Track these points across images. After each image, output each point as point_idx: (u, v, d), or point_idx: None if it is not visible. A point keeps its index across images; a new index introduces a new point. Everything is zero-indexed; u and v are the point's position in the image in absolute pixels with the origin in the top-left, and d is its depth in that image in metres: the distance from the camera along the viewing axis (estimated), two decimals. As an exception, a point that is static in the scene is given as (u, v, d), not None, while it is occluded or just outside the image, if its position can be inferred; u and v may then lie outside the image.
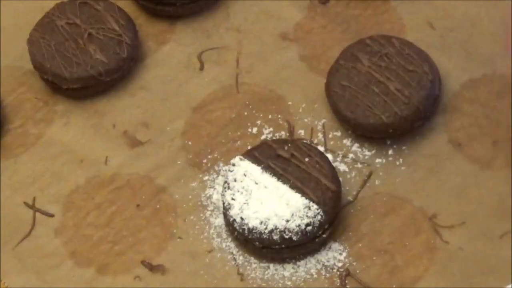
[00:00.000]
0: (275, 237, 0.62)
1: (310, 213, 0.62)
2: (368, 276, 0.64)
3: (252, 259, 0.65)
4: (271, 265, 0.65)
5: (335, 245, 0.65)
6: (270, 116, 0.71)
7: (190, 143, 0.71)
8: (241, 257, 0.65)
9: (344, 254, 0.65)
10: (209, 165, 0.70)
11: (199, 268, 0.65)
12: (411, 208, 0.66)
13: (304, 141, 0.68)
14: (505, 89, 0.70)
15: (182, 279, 0.65)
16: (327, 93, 0.70)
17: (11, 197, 0.70)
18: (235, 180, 0.64)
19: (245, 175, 0.64)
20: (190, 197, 0.69)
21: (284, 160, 0.65)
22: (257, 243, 0.63)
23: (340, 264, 0.64)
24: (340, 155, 0.69)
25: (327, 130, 0.71)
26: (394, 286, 0.63)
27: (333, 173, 0.64)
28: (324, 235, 0.63)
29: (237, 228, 0.63)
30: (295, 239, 0.62)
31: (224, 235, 0.66)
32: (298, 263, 0.65)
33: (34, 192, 0.70)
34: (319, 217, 0.62)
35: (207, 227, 0.67)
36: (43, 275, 0.66)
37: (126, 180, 0.70)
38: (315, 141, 0.70)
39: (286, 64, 0.74)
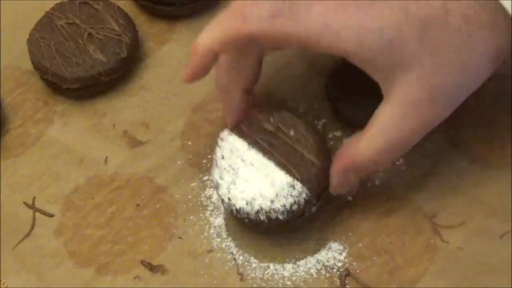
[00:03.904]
0: (262, 218, 0.62)
1: (295, 192, 0.61)
2: (368, 276, 0.64)
3: (252, 259, 0.65)
4: (271, 265, 0.65)
5: (335, 245, 0.65)
6: (270, 116, 0.71)
7: (190, 143, 0.71)
8: (241, 257, 0.65)
9: (344, 254, 0.65)
10: (209, 165, 0.70)
11: (199, 268, 0.65)
12: (411, 208, 0.66)
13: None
14: (505, 89, 0.70)
15: (182, 279, 0.65)
16: (327, 94, 0.70)
17: (11, 197, 0.70)
18: (222, 158, 0.63)
19: (232, 151, 0.63)
20: (190, 197, 0.69)
21: (270, 133, 0.63)
22: (247, 221, 0.63)
23: (340, 264, 0.64)
24: (340, 155, 0.69)
25: (327, 130, 0.71)
26: (394, 286, 0.63)
27: (319, 147, 0.63)
28: (312, 209, 0.63)
29: (226, 208, 0.63)
30: (282, 219, 0.61)
31: (224, 235, 0.66)
32: (298, 263, 0.65)
33: (34, 192, 0.70)
34: (304, 195, 0.61)
35: (207, 227, 0.67)
36: (43, 275, 0.66)
37: (126, 180, 0.70)
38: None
39: (285, 64, 0.74)
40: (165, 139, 0.72)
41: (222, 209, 0.67)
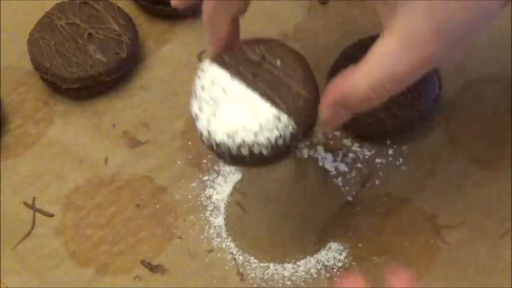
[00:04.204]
0: (244, 152, 0.56)
1: (280, 125, 0.55)
2: (368, 276, 0.64)
3: (252, 259, 0.65)
4: (271, 265, 0.65)
5: (335, 245, 0.65)
6: (270, 116, 0.71)
7: (190, 143, 0.71)
8: (241, 257, 0.65)
9: (344, 254, 0.65)
10: (209, 165, 0.70)
11: (199, 268, 0.65)
12: (411, 208, 0.66)
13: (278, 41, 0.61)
14: (505, 89, 0.70)
15: (182, 279, 0.65)
16: (327, 93, 0.70)
17: (11, 197, 0.70)
18: (202, 89, 0.57)
19: (213, 82, 0.57)
20: (190, 197, 0.69)
21: (255, 63, 0.57)
22: (227, 157, 0.57)
23: (340, 264, 0.64)
24: (340, 155, 0.69)
25: (327, 130, 0.71)
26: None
27: (307, 78, 0.57)
28: (298, 146, 0.57)
29: (205, 142, 0.57)
30: (266, 154, 0.56)
31: (224, 235, 0.67)
32: (298, 263, 0.65)
33: (34, 192, 0.70)
34: (290, 129, 0.55)
35: (207, 227, 0.67)
36: (43, 275, 0.66)
37: (126, 180, 0.70)
38: (315, 141, 0.70)
39: (286, 64, 0.74)
40: (165, 139, 0.72)
41: (222, 209, 0.67)
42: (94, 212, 0.68)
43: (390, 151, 0.69)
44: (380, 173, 0.68)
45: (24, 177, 0.71)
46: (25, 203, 0.69)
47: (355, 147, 0.69)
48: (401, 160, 0.68)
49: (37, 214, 0.69)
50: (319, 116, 0.56)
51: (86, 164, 0.71)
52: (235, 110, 0.56)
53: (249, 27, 0.76)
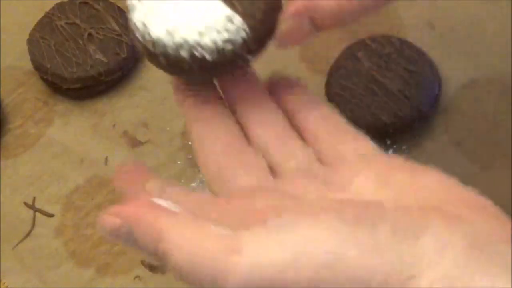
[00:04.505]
0: (183, 54, 0.47)
1: (231, 27, 0.46)
2: (368, 276, 0.64)
3: (252, 259, 0.65)
4: (271, 265, 0.65)
5: (335, 245, 0.65)
6: (270, 116, 0.71)
7: (190, 143, 0.71)
8: (241, 257, 0.65)
9: (344, 254, 0.65)
10: (209, 165, 0.70)
11: (199, 268, 0.65)
12: (411, 208, 0.66)
13: None
14: (505, 89, 0.70)
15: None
16: (327, 93, 0.70)
17: (11, 197, 0.70)
18: None
19: None
20: (190, 197, 0.68)
21: None
22: (163, 59, 0.48)
23: (340, 264, 0.64)
24: (340, 155, 0.69)
25: (327, 130, 0.70)
26: (394, 286, 0.63)
27: None
28: (248, 58, 0.48)
29: (140, 38, 0.48)
30: (209, 59, 0.47)
31: (224, 235, 0.66)
32: (298, 263, 0.65)
33: (34, 192, 0.70)
34: (242, 33, 0.47)
35: (207, 227, 0.67)
36: (43, 275, 0.66)
37: (126, 180, 0.70)
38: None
39: (286, 64, 0.74)
40: (165, 139, 0.72)
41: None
42: (94, 212, 0.68)
43: (390, 151, 0.69)
44: (380, 173, 0.68)
45: (24, 177, 0.71)
46: (25, 203, 0.69)
47: (355, 147, 0.69)
48: (401, 160, 0.68)
49: (37, 214, 0.69)
50: (280, 26, 0.48)
51: (86, 164, 0.71)
52: (180, 4, 0.47)
53: (249, 27, 0.76)
